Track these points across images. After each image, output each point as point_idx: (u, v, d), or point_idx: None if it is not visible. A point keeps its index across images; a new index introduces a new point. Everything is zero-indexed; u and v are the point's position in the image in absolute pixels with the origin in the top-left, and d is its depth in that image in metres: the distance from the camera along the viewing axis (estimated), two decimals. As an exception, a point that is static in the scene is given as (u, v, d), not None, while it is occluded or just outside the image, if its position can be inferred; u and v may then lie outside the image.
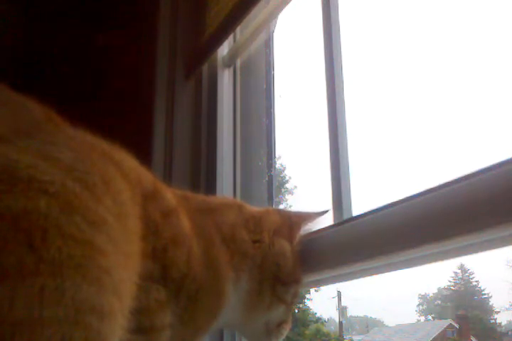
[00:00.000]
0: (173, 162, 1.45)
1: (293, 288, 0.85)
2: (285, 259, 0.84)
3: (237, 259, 0.78)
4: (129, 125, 1.55)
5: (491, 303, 4.62)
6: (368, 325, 5.94)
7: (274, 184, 1.38)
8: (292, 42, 1.81)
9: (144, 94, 1.56)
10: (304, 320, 5.40)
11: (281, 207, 3.88)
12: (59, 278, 0.41)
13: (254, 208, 0.92)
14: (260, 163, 1.40)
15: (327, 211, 0.94)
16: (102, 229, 0.48)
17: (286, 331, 0.86)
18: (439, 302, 5.11)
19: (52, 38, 1.80)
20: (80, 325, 0.41)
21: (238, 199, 1.34)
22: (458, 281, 5.20)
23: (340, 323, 4.67)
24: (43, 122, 0.60)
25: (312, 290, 4.38)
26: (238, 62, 1.50)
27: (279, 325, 0.85)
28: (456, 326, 3.86)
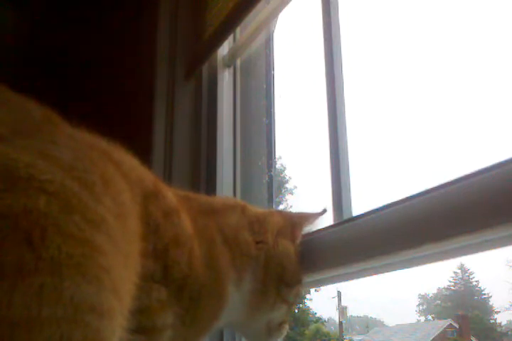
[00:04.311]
0: (173, 162, 1.45)
1: (295, 289, 0.85)
2: (290, 260, 0.84)
3: (240, 260, 0.78)
4: (129, 125, 1.55)
5: (491, 303, 4.62)
6: (368, 325, 5.94)
7: (274, 184, 1.38)
8: (292, 42, 1.81)
9: (143, 94, 1.56)
10: (304, 320, 5.39)
11: (282, 207, 3.87)
12: (58, 277, 0.41)
13: (257, 209, 0.92)
14: (260, 163, 1.40)
15: (325, 210, 0.94)
16: (101, 228, 0.48)
17: (286, 330, 0.87)
18: (439, 302, 5.11)
19: (52, 38, 1.80)
20: (79, 324, 0.41)
21: (239, 199, 1.34)
22: (458, 281, 5.20)
23: (340, 323, 4.66)
24: (42, 122, 0.60)
25: (312, 290, 4.37)
26: (238, 62, 1.50)
27: (280, 324, 0.86)
28: (456, 326, 3.85)
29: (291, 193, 4.02)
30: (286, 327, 0.87)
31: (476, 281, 5.08)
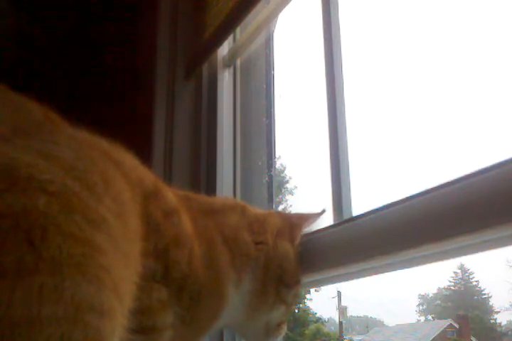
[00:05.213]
0: (173, 162, 1.45)
1: (294, 289, 0.85)
2: (289, 262, 0.84)
3: (239, 260, 0.79)
4: (129, 125, 1.55)
5: (491, 303, 4.62)
6: (368, 325, 5.94)
7: (274, 184, 1.38)
8: (292, 42, 1.81)
9: (144, 94, 1.56)
10: (304, 320, 5.40)
11: (281, 207, 3.87)
12: (58, 277, 0.41)
13: (257, 210, 0.92)
14: (260, 163, 1.40)
15: (324, 210, 0.94)
16: (101, 228, 0.48)
17: (284, 330, 0.87)
18: (439, 302, 5.11)
19: (51, 38, 1.80)
20: (79, 323, 0.41)
21: (239, 200, 1.34)
22: (458, 281, 5.20)
23: (340, 323, 4.66)
24: (42, 122, 0.60)
25: (312, 290, 4.38)
26: (238, 62, 1.50)
27: (279, 325, 0.86)
28: (456, 326, 3.85)
29: (291, 193, 4.02)
30: (285, 327, 0.87)
31: (476, 281, 5.08)
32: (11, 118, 0.56)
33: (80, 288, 0.42)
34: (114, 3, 1.75)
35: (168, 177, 1.42)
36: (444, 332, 3.90)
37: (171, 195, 0.71)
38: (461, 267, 5.15)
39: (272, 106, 1.42)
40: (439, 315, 4.72)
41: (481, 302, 4.81)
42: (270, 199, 1.35)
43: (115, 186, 0.55)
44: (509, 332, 3.68)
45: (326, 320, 5.81)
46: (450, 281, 5.14)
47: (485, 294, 4.91)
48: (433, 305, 5.22)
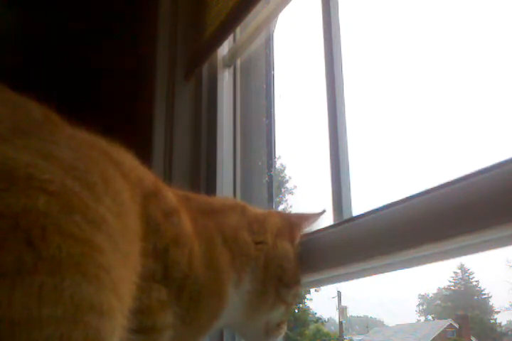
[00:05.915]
0: (173, 162, 1.45)
1: (294, 289, 0.85)
2: (289, 262, 0.84)
3: (239, 260, 0.79)
4: (129, 125, 1.55)
5: (491, 303, 4.62)
6: (368, 325, 5.93)
7: (274, 184, 1.38)
8: (292, 42, 1.81)
9: (144, 94, 1.56)
10: (304, 320, 5.39)
11: (282, 207, 3.87)
12: (58, 277, 0.41)
13: (257, 210, 0.92)
14: (260, 163, 1.40)
15: (325, 210, 0.94)
16: (101, 228, 0.48)
17: (284, 330, 0.87)
18: (439, 302, 5.11)
19: (51, 38, 1.80)
20: (78, 323, 0.41)
21: (239, 200, 1.34)
22: (458, 281, 5.20)
23: (340, 323, 4.66)
24: (42, 121, 0.60)
25: (312, 290, 4.37)
26: (238, 62, 1.50)
27: (279, 324, 0.86)
28: (456, 326, 3.85)
29: (291, 193, 4.02)
30: (285, 327, 0.88)
31: (476, 281, 5.08)
32: (11, 118, 0.56)
33: (79, 288, 0.42)
34: (113, 4, 1.75)
35: (168, 177, 1.42)
36: (444, 332, 3.90)
37: (171, 195, 0.71)
38: (461, 267, 5.15)
39: (272, 106, 1.42)
40: (439, 315, 4.72)
41: (481, 302, 4.81)
42: (270, 199, 1.35)
43: (115, 186, 0.55)
44: (509, 332, 3.68)
45: (326, 320, 5.81)
46: (450, 281, 5.14)
47: (485, 294, 4.91)
48: (433, 305, 5.22)
